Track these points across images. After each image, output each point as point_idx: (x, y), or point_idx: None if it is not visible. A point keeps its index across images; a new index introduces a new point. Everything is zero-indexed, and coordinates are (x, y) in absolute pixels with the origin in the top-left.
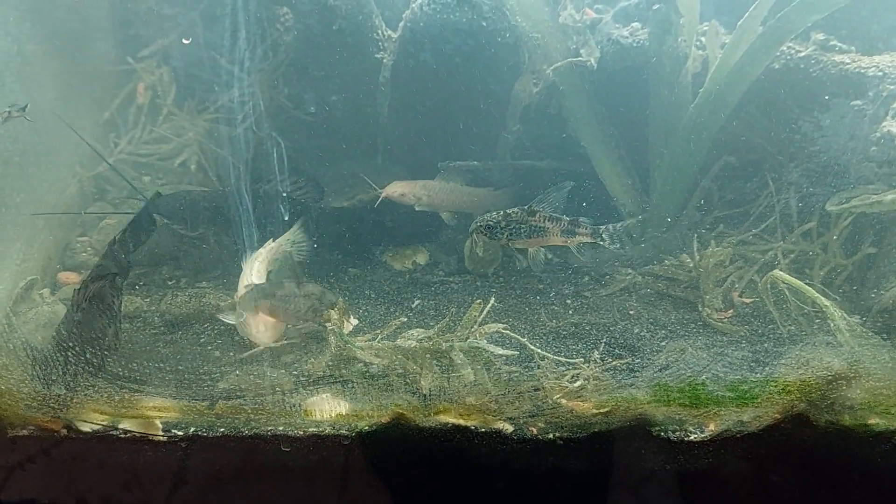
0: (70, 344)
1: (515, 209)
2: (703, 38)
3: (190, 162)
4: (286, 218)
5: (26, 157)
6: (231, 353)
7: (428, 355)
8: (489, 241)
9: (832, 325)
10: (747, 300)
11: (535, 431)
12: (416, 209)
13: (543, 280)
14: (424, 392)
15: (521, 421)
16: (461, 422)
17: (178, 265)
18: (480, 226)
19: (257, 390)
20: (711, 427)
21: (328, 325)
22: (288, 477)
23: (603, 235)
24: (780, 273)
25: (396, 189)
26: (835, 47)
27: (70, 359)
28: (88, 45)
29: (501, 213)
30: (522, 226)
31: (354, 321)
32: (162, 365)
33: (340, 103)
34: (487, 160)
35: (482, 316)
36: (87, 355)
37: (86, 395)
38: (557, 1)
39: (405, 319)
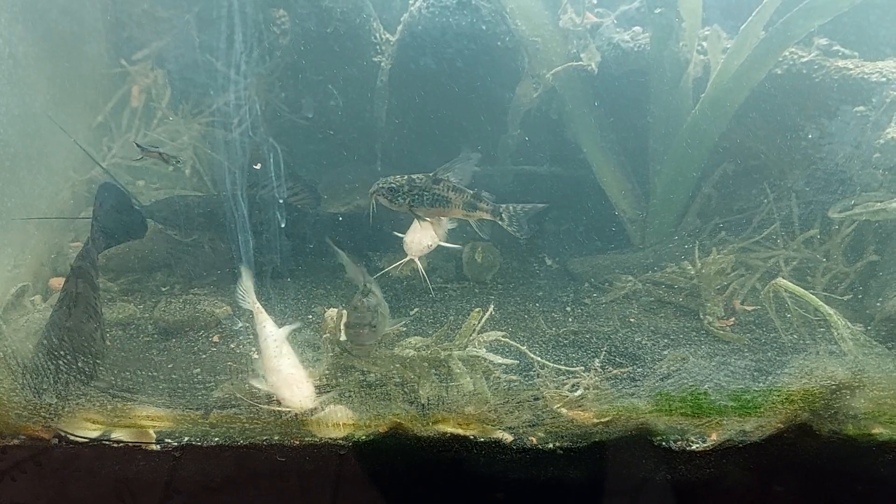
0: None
1: (420, 175)
2: (704, 43)
3: (184, 166)
4: (283, 225)
5: (18, 160)
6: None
7: (426, 364)
8: (389, 204)
9: (836, 333)
10: (749, 308)
11: (534, 441)
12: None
13: (542, 287)
14: (423, 401)
15: (521, 430)
16: (460, 431)
17: (172, 271)
18: (382, 187)
19: (253, 399)
20: (714, 437)
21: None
22: (283, 487)
23: (503, 215)
24: (784, 281)
25: (416, 243)
26: (837, 52)
27: (60, 366)
28: (82, 47)
29: (406, 177)
30: (426, 193)
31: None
32: (155, 373)
33: (337, 107)
34: (487, 165)
35: (481, 324)
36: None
37: (77, 403)
38: (558, 4)
39: (403, 328)
